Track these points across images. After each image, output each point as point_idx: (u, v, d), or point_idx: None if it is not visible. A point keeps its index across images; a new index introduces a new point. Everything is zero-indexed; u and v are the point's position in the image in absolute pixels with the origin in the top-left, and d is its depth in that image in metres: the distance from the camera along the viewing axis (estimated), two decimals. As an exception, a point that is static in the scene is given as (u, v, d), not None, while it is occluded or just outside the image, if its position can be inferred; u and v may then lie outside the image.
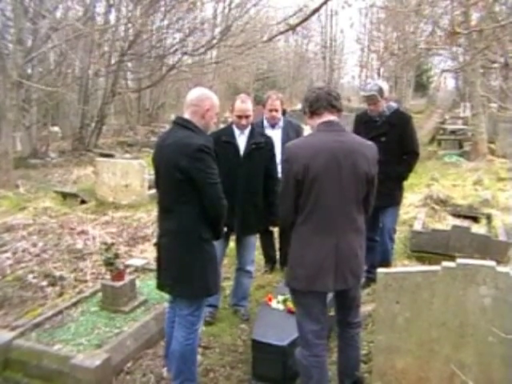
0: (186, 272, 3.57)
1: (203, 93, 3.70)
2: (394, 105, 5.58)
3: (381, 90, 5.23)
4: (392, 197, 5.49)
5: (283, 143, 5.63)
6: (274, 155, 5.06)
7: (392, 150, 5.24)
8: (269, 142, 5.02)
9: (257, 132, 4.99)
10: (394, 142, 5.31)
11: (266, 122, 5.91)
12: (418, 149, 5.54)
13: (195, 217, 3.54)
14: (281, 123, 5.94)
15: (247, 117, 4.88)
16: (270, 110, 5.79)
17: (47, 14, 14.17)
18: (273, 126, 5.84)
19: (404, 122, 5.45)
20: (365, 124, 5.51)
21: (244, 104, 4.88)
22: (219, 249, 4.28)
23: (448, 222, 7.38)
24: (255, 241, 5.34)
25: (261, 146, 4.88)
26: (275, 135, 5.61)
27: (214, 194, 3.51)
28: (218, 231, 3.69)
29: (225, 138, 4.90)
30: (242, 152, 4.90)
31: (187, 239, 3.55)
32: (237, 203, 4.72)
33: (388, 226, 5.64)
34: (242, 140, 4.94)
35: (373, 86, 5.32)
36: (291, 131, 5.90)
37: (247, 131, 4.92)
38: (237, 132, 4.95)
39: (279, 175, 4.71)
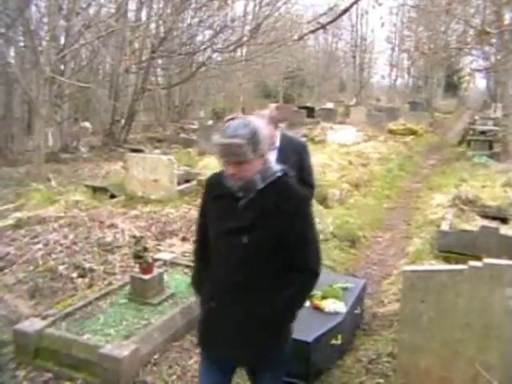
0: None
1: None
2: (276, 168, 2.66)
3: (254, 137, 2.47)
4: (263, 353, 2.66)
5: None
6: None
7: (263, 262, 2.60)
8: None
9: None
10: (268, 246, 2.57)
11: None
12: (316, 264, 2.67)
13: None
14: (277, 143, 4.40)
15: None
16: None
17: (81, 12, 14.40)
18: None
19: (292, 203, 2.59)
20: (215, 201, 2.73)
21: None
22: None
23: (476, 223, 7.32)
24: None
25: None
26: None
27: None
28: None
29: None
30: None
31: None
32: None
33: None
34: None
35: (236, 128, 2.47)
36: (291, 152, 4.38)
37: None
38: None
39: None
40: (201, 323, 2.81)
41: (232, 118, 2.52)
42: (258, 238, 2.55)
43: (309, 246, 2.64)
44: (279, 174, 2.64)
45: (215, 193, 2.72)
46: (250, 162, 2.49)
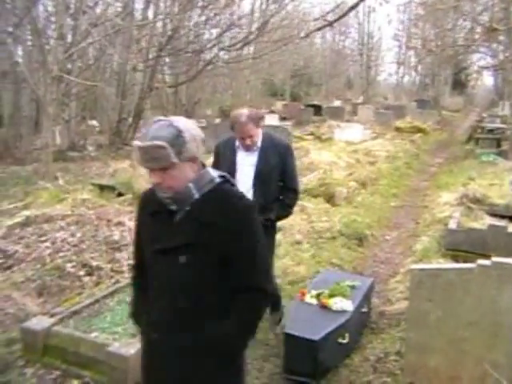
0: None
1: None
2: (213, 175, 2.35)
3: (177, 139, 2.16)
4: None
5: (258, 171, 4.26)
6: None
7: (206, 283, 2.26)
8: None
9: None
10: (210, 265, 2.23)
11: (238, 142, 4.31)
12: (265, 282, 2.34)
13: None
14: (258, 144, 4.27)
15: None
16: (242, 138, 4.17)
17: (87, 10, 14.43)
18: (248, 148, 4.26)
19: (234, 215, 2.24)
20: (150, 218, 2.37)
21: None
22: None
23: (484, 221, 7.29)
24: None
25: None
26: (249, 160, 4.24)
27: None
28: None
29: None
30: None
31: None
32: None
33: None
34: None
35: (157, 129, 2.16)
36: (273, 154, 4.27)
37: None
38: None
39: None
40: (143, 357, 2.47)
41: (158, 120, 2.21)
42: (198, 257, 2.19)
43: (256, 263, 2.29)
44: (218, 181, 2.30)
45: (149, 209, 2.36)
46: (175, 168, 2.15)
